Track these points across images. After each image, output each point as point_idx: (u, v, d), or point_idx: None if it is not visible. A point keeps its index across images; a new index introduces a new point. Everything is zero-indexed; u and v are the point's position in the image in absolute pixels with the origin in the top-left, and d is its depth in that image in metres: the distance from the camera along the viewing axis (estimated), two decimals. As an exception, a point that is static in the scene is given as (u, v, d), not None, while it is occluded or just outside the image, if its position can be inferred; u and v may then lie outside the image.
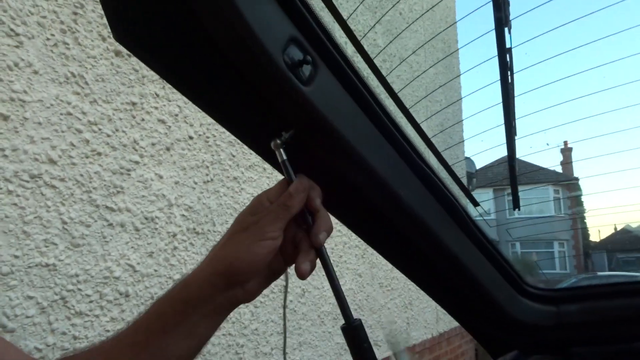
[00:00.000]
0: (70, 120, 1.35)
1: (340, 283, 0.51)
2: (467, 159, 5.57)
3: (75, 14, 1.37)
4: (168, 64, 0.43)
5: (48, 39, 1.30)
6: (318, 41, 0.45)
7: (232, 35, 0.42)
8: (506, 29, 0.56)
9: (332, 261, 0.51)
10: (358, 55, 0.57)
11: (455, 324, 3.93)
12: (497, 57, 0.60)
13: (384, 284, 3.16)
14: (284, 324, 2.20)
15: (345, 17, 0.50)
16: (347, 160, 0.50)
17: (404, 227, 0.61)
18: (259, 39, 0.41)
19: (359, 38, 0.51)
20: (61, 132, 1.32)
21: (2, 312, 1.18)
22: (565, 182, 25.00)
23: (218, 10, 0.41)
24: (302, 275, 0.49)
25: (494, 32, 0.62)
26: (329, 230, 0.51)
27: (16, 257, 1.22)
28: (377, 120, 0.51)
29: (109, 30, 1.46)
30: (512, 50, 0.59)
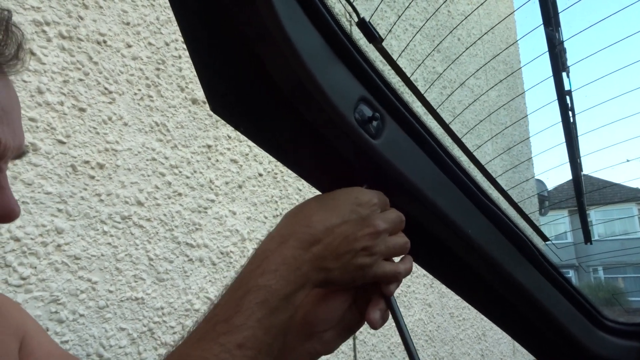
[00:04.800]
0: (155, 165, 1.48)
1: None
2: (538, 180, 5.34)
3: (158, 69, 1.53)
4: (256, 128, 0.50)
5: (135, 94, 1.45)
6: (385, 99, 0.50)
7: (307, 97, 0.47)
8: (564, 74, 0.58)
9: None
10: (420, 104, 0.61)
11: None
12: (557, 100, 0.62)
13: (455, 314, 3.07)
14: (354, 356, 2.20)
15: (408, 74, 0.54)
16: (416, 204, 0.54)
17: (473, 263, 0.63)
18: (331, 100, 0.47)
19: (422, 92, 0.56)
20: (147, 176, 1.46)
21: (99, 343, 1.30)
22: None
23: (294, 76, 0.46)
24: (372, 325, 0.50)
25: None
26: (399, 283, 0.53)
27: (110, 291, 1.34)
28: (444, 165, 0.55)
29: (187, 82, 1.60)
30: (572, 93, 0.61)
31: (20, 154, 0.47)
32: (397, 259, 0.54)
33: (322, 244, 0.46)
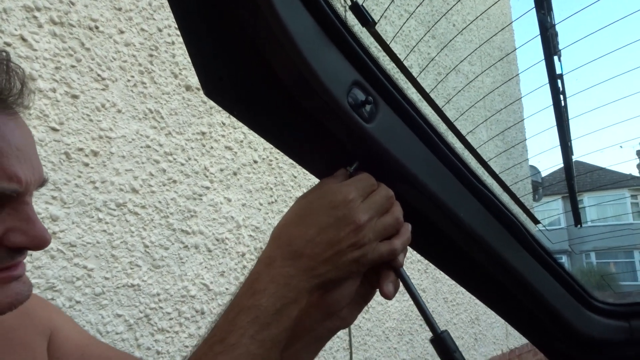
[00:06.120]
0: (149, 152, 1.48)
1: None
2: (532, 167, 5.37)
3: (151, 55, 1.52)
4: (250, 113, 0.50)
5: (129, 80, 1.45)
6: (378, 83, 0.50)
7: (301, 82, 0.48)
8: (556, 57, 0.58)
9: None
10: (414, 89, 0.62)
11: (527, 340, 3.78)
12: (548, 84, 0.63)
13: (449, 299, 3.11)
14: (350, 340, 2.23)
15: (401, 58, 0.54)
16: (409, 187, 0.55)
17: (465, 246, 0.64)
18: (325, 84, 0.47)
19: (415, 75, 0.56)
20: (141, 163, 1.46)
21: (96, 329, 1.31)
22: (643, 186, 23.26)
23: (288, 60, 0.47)
24: (387, 297, 0.53)
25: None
26: (406, 251, 0.55)
27: (106, 278, 1.35)
28: (436, 148, 0.55)
29: (180, 68, 1.59)
30: (564, 76, 0.61)
31: (42, 183, 0.50)
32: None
33: (306, 256, 0.49)
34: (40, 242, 0.47)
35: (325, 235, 0.49)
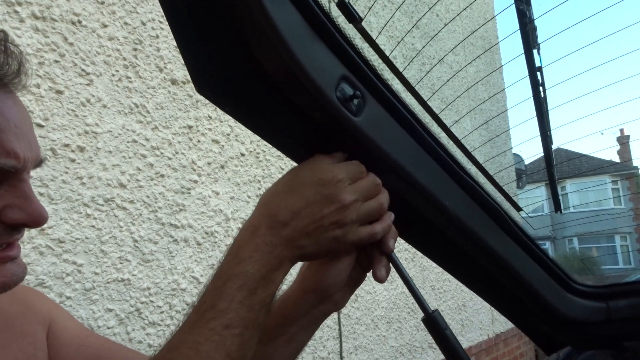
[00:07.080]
0: (136, 147, 1.48)
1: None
2: (515, 155, 5.44)
3: (135, 49, 1.51)
4: (241, 108, 0.51)
5: (113, 75, 1.44)
6: (365, 77, 0.51)
7: (290, 77, 0.49)
8: (535, 51, 0.60)
9: None
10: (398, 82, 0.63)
11: (512, 324, 3.86)
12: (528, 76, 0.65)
13: (436, 287, 3.16)
14: (339, 329, 2.26)
15: (387, 52, 0.56)
16: (396, 178, 0.56)
17: (451, 234, 0.67)
18: (314, 80, 0.48)
19: (400, 70, 0.57)
20: (128, 158, 1.45)
21: (87, 324, 1.31)
22: (623, 172, 23.72)
23: (277, 57, 0.48)
24: (380, 281, 0.56)
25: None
26: (396, 236, 0.57)
27: (96, 274, 1.35)
28: (422, 140, 0.57)
29: (165, 62, 1.58)
30: (543, 69, 0.64)
31: (39, 162, 0.51)
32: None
33: (290, 226, 0.51)
34: (38, 218, 0.48)
35: (310, 210, 0.51)
